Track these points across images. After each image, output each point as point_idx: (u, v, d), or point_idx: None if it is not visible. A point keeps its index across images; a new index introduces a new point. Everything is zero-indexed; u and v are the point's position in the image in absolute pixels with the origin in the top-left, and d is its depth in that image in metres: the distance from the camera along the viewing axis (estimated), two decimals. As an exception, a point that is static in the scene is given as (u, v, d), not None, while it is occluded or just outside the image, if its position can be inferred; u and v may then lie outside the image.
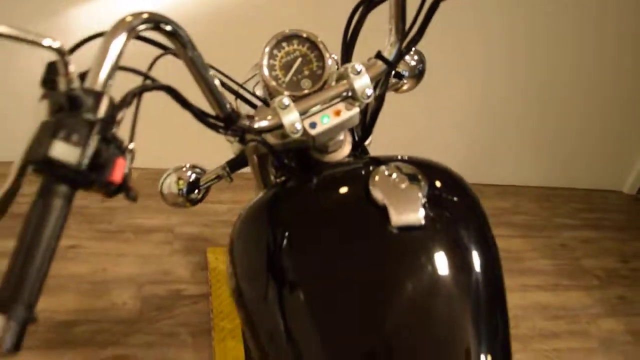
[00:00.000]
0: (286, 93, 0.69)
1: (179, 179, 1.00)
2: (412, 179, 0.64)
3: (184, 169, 1.02)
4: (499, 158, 2.75)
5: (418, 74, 0.95)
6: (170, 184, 1.00)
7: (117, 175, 0.45)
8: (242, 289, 0.66)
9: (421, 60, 0.95)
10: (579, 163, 2.83)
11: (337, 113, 0.70)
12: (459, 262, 0.62)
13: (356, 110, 0.71)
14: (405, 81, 0.94)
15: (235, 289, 0.66)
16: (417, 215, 0.61)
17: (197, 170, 1.02)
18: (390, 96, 0.83)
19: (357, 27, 0.77)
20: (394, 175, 0.65)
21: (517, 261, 2.23)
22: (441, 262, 0.60)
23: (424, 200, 0.62)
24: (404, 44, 0.74)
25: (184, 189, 0.99)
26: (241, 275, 0.66)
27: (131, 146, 0.49)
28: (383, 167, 0.66)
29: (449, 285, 0.60)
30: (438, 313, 0.58)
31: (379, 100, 0.77)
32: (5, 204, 0.43)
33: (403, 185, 0.63)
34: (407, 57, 0.93)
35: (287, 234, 0.64)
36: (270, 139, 0.74)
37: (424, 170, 0.66)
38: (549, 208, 2.68)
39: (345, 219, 0.65)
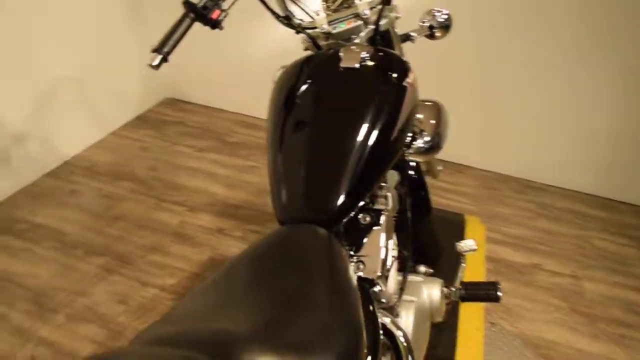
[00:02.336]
0: (323, 6, 1.26)
1: None
2: (365, 51, 1.16)
3: None
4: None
5: (445, 27, 1.37)
6: None
7: (215, 15, 1.09)
8: (270, 113, 1.14)
9: (448, 18, 1.37)
10: None
11: (349, 23, 1.24)
12: (368, 89, 1.12)
13: (360, 22, 1.24)
14: (435, 31, 1.37)
15: (268, 115, 1.14)
16: (354, 64, 1.13)
17: None
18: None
19: None
20: (356, 48, 1.17)
21: None
22: (356, 85, 1.12)
23: (362, 57, 1.14)
24: None
25: None
26: (271, 103, 1.15)
27: (224, 6, 1.10)
28: (356, 44, 1.21)
29: (359, 97, 1.10)
30: (347, 110, 1.09)
31: (377, 20, 1.24)
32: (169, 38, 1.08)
33: (356, 49, 1.16)
34: (436, 13, 1.36)
35: (295, 79, 1.16)
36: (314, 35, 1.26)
37: (378, 53, 1.18)
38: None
39: (324, 67, 1.17)
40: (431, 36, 1.41)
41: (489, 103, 2.54)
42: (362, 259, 1.07)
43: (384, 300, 1.17)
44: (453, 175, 2.66)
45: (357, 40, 1.26)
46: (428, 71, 2.48)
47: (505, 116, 2.54)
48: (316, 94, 1.13)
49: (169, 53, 1.10)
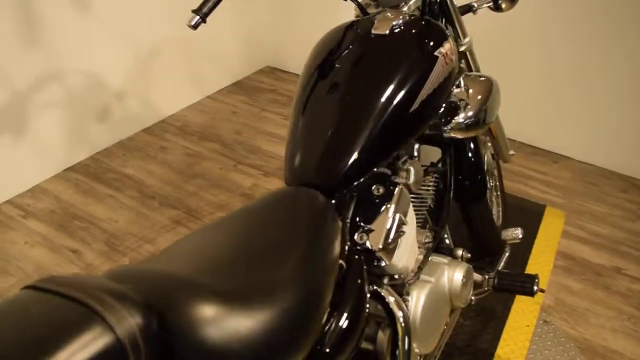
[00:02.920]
0: None
1: None
2: (401, 18, 1.11)
3: None
4: None
5: None
6: None
7: None
8: (300, 77, 1.12)
9: None
10: None
11: None
12: (392, 57, 1.07)
13: None
14: (501, 2, 1.32)
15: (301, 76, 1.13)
16: (384, 31, 1.08)
17: None
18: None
19: None
20: (390, 15, 1.12)
21: None
22: (381, 53, 1.09)
23: (393, 24, 1.09)
24: None
25: None
26: (303, 68, 1.14)
27: None
28: (393, 10, 1.16)
29: (382, 65, 1.07)
30: (368, 77, 1.06)
31: None
32: None
33: (390, 16, 1.11)
34: None
35: (329, 45, 1.14)
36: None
37: (414, 21, 1.13)
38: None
39: (355, 34, 1.13)
40: (496, 8, 1.34)
41: (597, 92, 2.28)
42: (367, 229, 1.02)
43: (395, 276, 1.11)
44: (546, 165, 2.44)
45: (404, 9, 1.20)
46: (535, 54, 2.29)
47: (616, 107, 2.26)
48: (342, 61, 1.10)
49: (207, 15, 1.17)
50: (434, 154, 1.31)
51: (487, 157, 1.72)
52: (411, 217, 1.10)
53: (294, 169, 1.03)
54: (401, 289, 1.14)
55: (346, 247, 0.97)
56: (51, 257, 1.97)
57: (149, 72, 2.69)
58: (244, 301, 0.69)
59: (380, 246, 1.00)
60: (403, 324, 1.04)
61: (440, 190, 1.34)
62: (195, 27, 1.18)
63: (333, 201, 1.00)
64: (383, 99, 1.03)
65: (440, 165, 1.31)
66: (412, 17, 1.15)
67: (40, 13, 2.14)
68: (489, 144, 1.74)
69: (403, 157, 1.14)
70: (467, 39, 1.37)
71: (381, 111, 1.02)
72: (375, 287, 1.06)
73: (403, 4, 1.22)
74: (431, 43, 1.10)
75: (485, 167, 1.74)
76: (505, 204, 1.92)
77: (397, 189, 1.06)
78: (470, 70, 1.47)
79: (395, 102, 1.03)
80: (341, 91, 1.06)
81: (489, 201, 1.82)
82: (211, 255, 0.82)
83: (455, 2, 1.32)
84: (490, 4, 1.36)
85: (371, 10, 1.26)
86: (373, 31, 1.11)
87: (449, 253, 1.37)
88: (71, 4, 2.25)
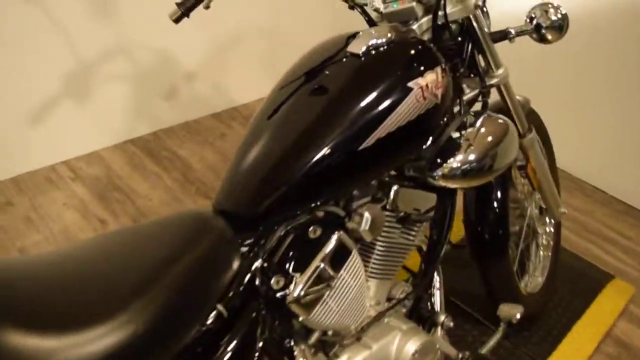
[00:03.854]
0: None
1: None
2: (383, 36, 0.95)
3: None
4: None
5: (558, 28, 1.13)
6: None
7: None
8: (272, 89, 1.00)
9: (563, 18, 1.13)
10: None
11: (402, 3, 1.02)
12: (355, 83, 0.92)
13: (412, 4, 1.01)
14: (546, 32, 1.14)
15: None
16: (359, 49, 0.94)
17: None
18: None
19: None
20: (374, 32, 0.97)
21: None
22: (346, 76, 0.94)
23: (371, 43, 0.94)
24: None
25: None
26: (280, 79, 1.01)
27: None
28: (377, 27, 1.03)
29: (341, 90, 0.91)
30: (321, 103, 0.90)
31: (436, 5, 1.02)
32: None
33: (372, 33, 0.97)
34: (550, 11, 1.13)
35: (306, 59, 1.01)
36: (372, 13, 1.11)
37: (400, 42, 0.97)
38: None
39: (333, 50, 0.99)
40: (540, 38, 1.16)
41: None
42: (289, 275, 0.88)
43: (328, 333, 0.95)
44: (635, 229, 2.05)
45: (414, 26, 1.05)
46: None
47: None
48: (307, 78, 0.97)
49: (189, 10, 1.11)
50: (425, 199, 1.09)
51: (531, 211, 1.46)
52: (352, 271, 0.93)
53: (220, 191, 0.92)
54: (329, 350, 0.96)
55: (240, 289, 0.82)
56: (80, 223, 2.02)
57: (226, 57, 2.68)
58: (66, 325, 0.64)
59: (295, 297, 0.85)
60: None
61: (433, 241, 1.13)
62: (176, 21, 1.13)
63: (248, 235, 0.86)
64: (332, 129, 0.88)
65: (433, 213, 1.10)
66: (402, 37, 0.99)
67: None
68: (537, 197, 1.47)
69: (360, 199, 0.97)
70: (500, 71, 1.15)
71: (325, 142, 0.87)
72: (291, 344, 0.90)
73: (414, 21, 1.05)
74: (407, 71, 0.93)
75: (527, 222, 1.48)
76: (555, 265, 1.63)
77: (333, 236, 0.89)
78: (507, 108, 1.22)
79: (344, 134, 0.88)
80: (291, 113, 0.93)
81: (532, 262, 1.56)
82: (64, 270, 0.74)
83: (486, 27, 1.11)
84: (533, 33, 1.14)
85: (381, 24, 1.10)
86: (348, 49, 0.96)
87: (428, 316, 1.15)
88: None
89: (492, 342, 1.21)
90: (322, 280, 0.87)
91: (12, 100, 2.14)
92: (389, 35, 0.96)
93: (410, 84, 0.91)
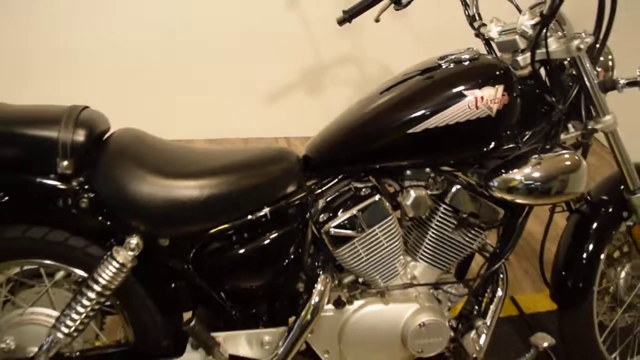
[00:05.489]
0: (500, 23, 1.21)
1: None
2: (466, 54, 1.15)
3: None
4: None
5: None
6: None
7: None
8: None
9: (611, 59, 1.22)
10: None
11: (510, 35, 1.16)
12: (426, 84, 1.12)
13: (515, 37, 1.14)
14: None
15: None
16: (443, 60, 1.16)
17: None
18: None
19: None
20: (463, 51, 1.16)
21: None
22: (429, 75, 1.14)
23: (454, 57, 1.15)
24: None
25: None
26: None
27: None
28: (471, 50, 1.18)
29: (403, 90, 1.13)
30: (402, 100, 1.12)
31: (535, 40, 1.11)
32: None
33: (461, 51, 1.16)
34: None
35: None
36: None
37: (482, 58, 1.16)
38: None
39: (432, 61, 1.20)
40: None
41: None
42: (332, 214, 1.14)
43: (359, 280, 1.21)
44: None
45: (518, 58, 1.15)
46: None
47: None
48: (407, 75, 1.20)
49: (352, 17, 1.42)
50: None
51: (624, 273, 1.38)
52: (386, 232, 1.12)
53: (311, 140, 1.21)
54: (352, 291, 1.18)
55: (288, 207, 1.11)
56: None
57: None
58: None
59: (327, 229, 1.09)
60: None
61: (495, 253, 1.24)
62: (340, 23, 1.44)
63: (315, 176, 1.17)
64: (395, 110, 1.11)
65: (501, 228, 1.22)
66: (484, 59, 1.17)
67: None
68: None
69: (413, 180, 1.15)
70: (606, 117, 1.18)
71: (388, 122, 1.11)
72: (320, 271, 1.14)
73: (520, 52, 1.16)
74: (468, 81, 1.10)
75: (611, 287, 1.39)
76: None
77: (375, 197, 1.11)
78: (615, 159, 1.24)
79: (400, 115, 1.10)
80: (380, 94, 1.17)
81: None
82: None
83: (593, 72, 1.16)
84: None
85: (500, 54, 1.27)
86: (437, 60, 1.18)
87: (469, 317, 1.26)
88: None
89: None
90: (354, 226, 1.09)
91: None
92: (474, 55, 1.14)
93: (466, 92, 1.07)
